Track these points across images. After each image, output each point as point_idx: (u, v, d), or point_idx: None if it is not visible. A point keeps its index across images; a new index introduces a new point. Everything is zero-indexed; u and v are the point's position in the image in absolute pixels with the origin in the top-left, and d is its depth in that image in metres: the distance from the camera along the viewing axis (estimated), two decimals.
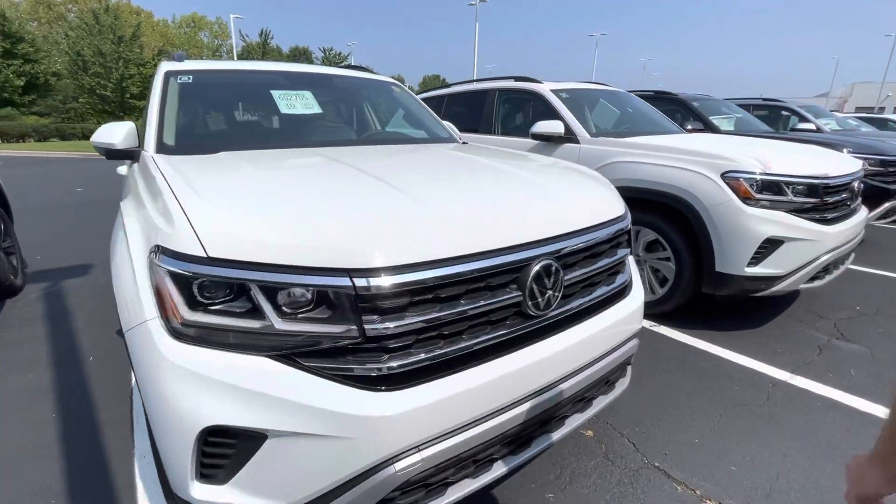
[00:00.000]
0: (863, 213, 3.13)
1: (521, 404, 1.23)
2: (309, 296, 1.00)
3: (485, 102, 4.30)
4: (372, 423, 0.98)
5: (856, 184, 2.94)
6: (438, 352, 1.08)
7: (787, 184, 2.61)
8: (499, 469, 1.26)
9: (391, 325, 1.01)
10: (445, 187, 1.38)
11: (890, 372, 2.44)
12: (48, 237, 5.32)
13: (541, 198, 1.43)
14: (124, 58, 30.38)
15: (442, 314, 1.08)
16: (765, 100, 7.39)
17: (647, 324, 2.99)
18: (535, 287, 1.21)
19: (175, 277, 1.01)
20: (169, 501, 1.13)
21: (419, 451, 1.05)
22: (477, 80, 4.61)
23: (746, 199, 2.60)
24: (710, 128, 5.25)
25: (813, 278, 2.74)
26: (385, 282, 0.99)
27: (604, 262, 1.47)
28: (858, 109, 38.52)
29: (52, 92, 30.36)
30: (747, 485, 1.68)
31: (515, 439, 1.29)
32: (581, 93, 3.94)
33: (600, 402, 1.56)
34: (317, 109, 2.31)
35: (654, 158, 2.96)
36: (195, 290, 1.00)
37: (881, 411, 2.11)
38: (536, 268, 1.21)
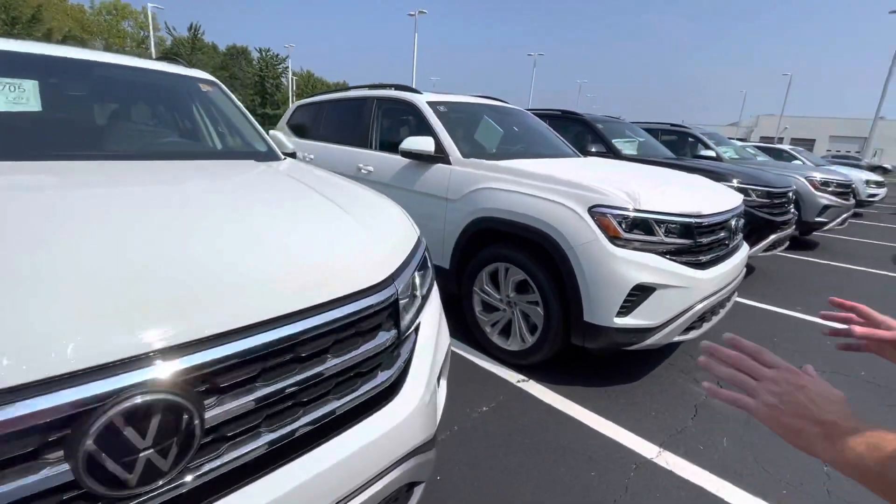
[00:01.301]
0: (743, 252, 2.92)
1: None
2: None
3: (362, 113, 3.76)
4: None
5: (734, 221, 2.71)
6: None
7: (658, 222, 2.29)
8: None
9: None
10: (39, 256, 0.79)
11: (759, 439, 2.14)
12: None
13: (218, 272, 0.88)
14: None
15: None
16: (672, 125, 7.53)
17: (514, 379, 2.56)
18: (103, 451, 0.65)
19: None
20: None
21: None
22: (357, 87, 4.05)
23: (614, 238, 2.24)
24: (612, 151, 5.08)
25: (688, 328, 2.44)
26: None
27: (332, 364, 0.95)
28: (762, 139, 42.99)
29: None
30: None
31: None
32: (462, 107, 3.52)
33: None
34: (32, 107, 1.64)
35: (523, 186, 2.55)
36: None
37: (742, 497, 1.77)
38: (112, 413, 0.65)
